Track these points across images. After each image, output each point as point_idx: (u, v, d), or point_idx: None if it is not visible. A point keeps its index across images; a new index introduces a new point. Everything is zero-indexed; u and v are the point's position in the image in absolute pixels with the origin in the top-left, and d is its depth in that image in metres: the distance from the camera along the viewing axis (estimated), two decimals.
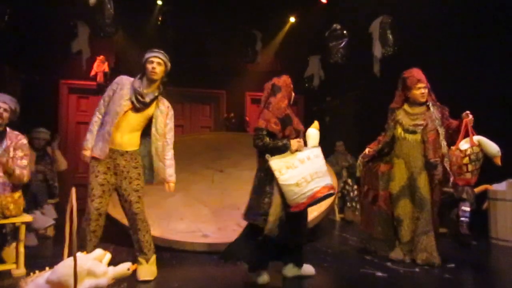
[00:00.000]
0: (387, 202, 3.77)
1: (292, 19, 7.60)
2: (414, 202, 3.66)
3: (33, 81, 6.33)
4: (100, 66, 6.57)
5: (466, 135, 3.54)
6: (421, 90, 3.68)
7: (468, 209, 4.43)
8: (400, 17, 6.03)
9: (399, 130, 3.76)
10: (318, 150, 3.06)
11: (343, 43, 6.64)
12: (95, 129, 3.16)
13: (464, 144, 3.54)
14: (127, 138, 3.15)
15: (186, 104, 8.08)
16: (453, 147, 3.60)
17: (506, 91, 5.04)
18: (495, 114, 5.07)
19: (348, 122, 7.48)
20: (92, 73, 6.60)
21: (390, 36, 6.05)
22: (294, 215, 2.95)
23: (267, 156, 2.96)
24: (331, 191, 2.98)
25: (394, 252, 3.72)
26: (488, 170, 4.11)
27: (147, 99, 3.15)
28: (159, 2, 6.76)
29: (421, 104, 3.74)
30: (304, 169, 2.92)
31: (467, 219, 4.41)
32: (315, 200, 2.93)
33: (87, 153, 3.12)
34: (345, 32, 6.64)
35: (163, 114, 3.27)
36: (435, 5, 5.53)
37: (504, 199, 4.46)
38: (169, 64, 3.28)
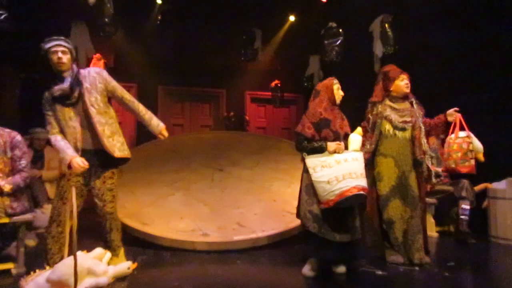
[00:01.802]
0: (371, 205, 3.65)
1: (292, 18, 7.60)
2: (406, 201, 3.55)
3: (32, 80, 6.32)
4: (96, 64, 6.56)
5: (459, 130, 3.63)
6: (405, 81, 3.62)
7: (468, 207, 4.44)
8: (399, 16, 6.04)
9: (388, 126, 3.64)
10: (358, 155, 3.14)
11: (338, 42, 6.63)
12: (61, 144, 2.97)
13: (462, 133, 3.61)
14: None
15: (186, 103, 8.08)
16: (451, 136, 3.63)
17: (505, 90, 5.05)
18: (494, 113, 5.09)
19: (347, 121, 7.47)
20: None
21: (391, 35, 6.06)
22: (336, 212, 3.03)
23: (304, 154, 3.17)
24: (361, 192, 3.00)
25: (392, 255, 3.56)
26: (488, 169, 4.13)
27: (67, 90, 2.93)
28: (159, 1, 6.75)
29: (403, 99, 3.67)
30: (339, 169, 3.02)
31: (466, 217, 4.42)
32: (344, 199, 2.96)
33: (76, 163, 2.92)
34: (340, 30, 6.63)
35: (93, 84, 3.02)
36: (434, 3, 5.53)
37: (504, 197, 4.45)
38: (74, 51, 3.04)
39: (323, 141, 3.15)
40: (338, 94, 3.37)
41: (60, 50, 2.94)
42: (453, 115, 3.58)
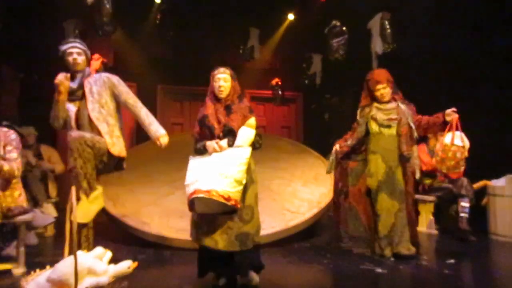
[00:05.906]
0: (356, 198, 3.85)
1: (291, 17, 7.59)
2: (394, 195, 3.68)
3: (32, 81, 6.32)
4: (94, 63, 6.54)
5: (451, 131, 3.58)
6: (380, 91, 3.74)
7: (467, 204, 4.44)
8: (398, 14, 6.04)
9: (374, 125, 3.79)
10: (232, 152, 2.76)
11: (343, 40, 6.63)
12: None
13: (457, 140, 3.57)
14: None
15: (185, 102, 8.07)
16: (447, 143, 3.57)
17: (504, 88, 5.06)
18: (494, 110, 5.09)
19: (347, 119, 7.47)
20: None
21: (390, 32, 6.05)
22: (208, 220, 2.76)
23: (191, 156, 2.94)
24: (201, 195, 2.62)
25: (372, 248, 3.76)
26: (488, 166, 4.13)
27: (75, 89, 3.13)
28: (157, 0, 6.74)
29: (388, 102, 3.80)
30: (200, 171, 2.74)
31: (466, 215, 4.43)
32: (189, 203, 2.72)
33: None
34: (344, 28, 6.63)
35: (103, 87, 3.18)
36: (433, 1, 5.54)
37: (503, 194, 4.46)
38: (89, 52, 3.22)
39: (204, 140, 2.90)
40: (217, 86, 2.98)
41: (75, 51, 3.14)
42: (451, 115, 3.57)
